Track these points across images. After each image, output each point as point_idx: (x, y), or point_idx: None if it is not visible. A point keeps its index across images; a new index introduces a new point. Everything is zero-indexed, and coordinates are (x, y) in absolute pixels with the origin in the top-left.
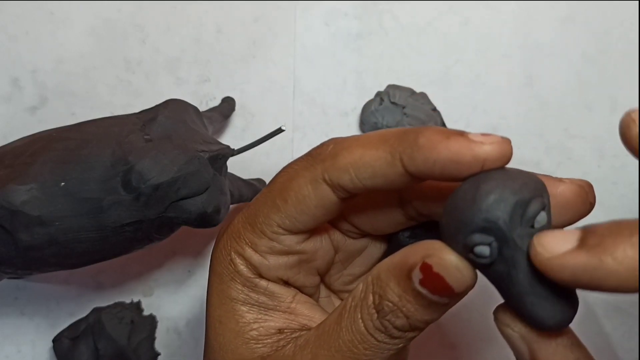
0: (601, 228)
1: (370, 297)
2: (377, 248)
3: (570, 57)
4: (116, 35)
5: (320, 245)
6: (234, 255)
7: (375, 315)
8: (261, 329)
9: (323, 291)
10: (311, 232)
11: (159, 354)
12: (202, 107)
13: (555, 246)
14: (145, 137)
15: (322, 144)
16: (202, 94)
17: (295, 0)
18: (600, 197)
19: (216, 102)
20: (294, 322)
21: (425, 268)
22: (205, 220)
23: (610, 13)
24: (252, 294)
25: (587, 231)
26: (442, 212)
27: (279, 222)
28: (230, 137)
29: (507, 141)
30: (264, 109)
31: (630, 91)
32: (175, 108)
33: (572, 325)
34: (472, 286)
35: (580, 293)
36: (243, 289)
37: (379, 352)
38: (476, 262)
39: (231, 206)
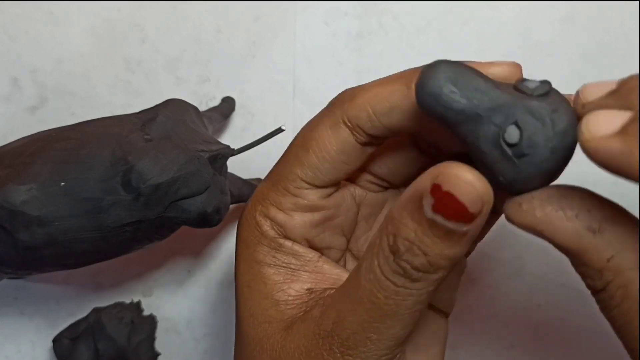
0: None
1: (385, 239)
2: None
3: (570, 57)
4: (116, 35)
5: (342, 201)
6: (259, 217)
7: (391, 257)
8: (290, 290)
9: (350, 262)
10: (334, 186)
11: (159, 354)
12: (202, 107)
13: (598, 128)
14: (145, 137)
15: (341, 92)
16: (202, 94)
17: (295, 0)
18: None
19: (216, 102)
20: (322, 282)
21: (436, 190)
22: (205, 220)
23: (610, 13)
24: (279, 255)
25: (633, 117)
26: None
27: (301, 175)
28: (230, 137)
29: (515, 64)
30: (264, 109)
31: None
32: (175, 108)
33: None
34: (488, 203)
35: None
36: (269, 250)
37: (402, 300)
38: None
39: (231, 206)
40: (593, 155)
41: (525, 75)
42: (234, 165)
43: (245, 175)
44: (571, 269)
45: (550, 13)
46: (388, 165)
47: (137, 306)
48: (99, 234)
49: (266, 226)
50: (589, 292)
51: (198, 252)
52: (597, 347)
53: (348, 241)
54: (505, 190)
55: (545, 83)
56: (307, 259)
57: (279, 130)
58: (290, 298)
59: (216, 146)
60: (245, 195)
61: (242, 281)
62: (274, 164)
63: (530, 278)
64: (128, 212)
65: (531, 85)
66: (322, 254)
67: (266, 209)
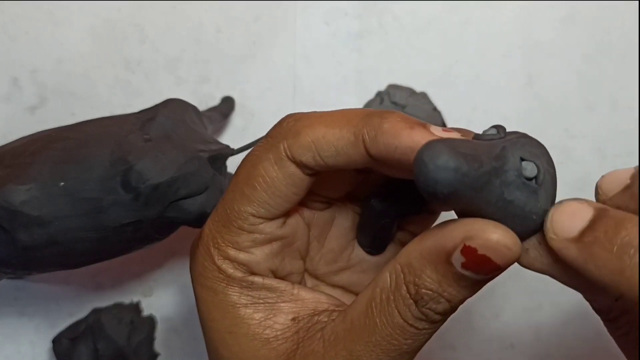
0: (602, 225)
1: (404, 288)
2: (345, 216)
3: (570, 57)
4: (116, 35)
5: (296, 225)
6: (219, 261)
7: (414, 305)
8: (276, 325)
9: (309, 281)
10: (286, 214)
11: (158, 354)
12: (202, 107)
13: (562, 228)
14: (145, 136)
15: (281, 122)
16: (202, 94)
17: (295, 0)
18: None
19: (216, 102)
20: (303, 309)
21: (468, 251)
22: (204, 220)
23: (610, 13)
24: (252, 293)
25: (593, 221)
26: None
27: (253, 212)
28: (230, 137)
29: (468, 134)
30: (264, 109)
31: (630, 91)
32: (174, 108)
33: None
34: (518, 258)
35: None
36: (242, 291)
37: (421, 338)
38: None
39: None
40: (557, 253)
41: (525, 75)
42: (233, 165)
43: None
44: None
45: (550, 13)
46: (329, 186)
47: (136, 307)
48: (99, 234)
49: (230, 269)
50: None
51: None
52: (597, 347)
53: (304, 262)
54: (529, 232)
55: (499, 126)
56: (283, 289)
57: None
58: (278, 333)
59: (216, 146)
60: None
61: (220, 329)
62: None
63: (531, 278)
64: (128, 212)
65: (492, 131)
66: (285, 279)
67: (224, 251)
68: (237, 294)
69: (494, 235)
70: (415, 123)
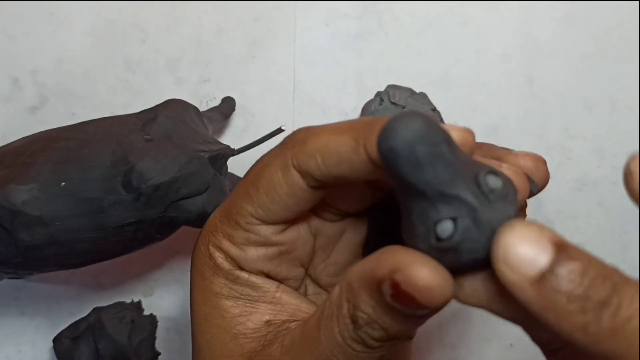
0: (565, 269)
1: (345, 306)
2: (356, 230)
3: (570, 57)
4: (116, 35)
5: (297, 235)
6: (212, 249)
7: (351, 326)
8: (248, 322)
9: (311, 287)
10: (287, 223)
11: (159, 354)
12: (202, 107)
13: (519, 264)
14: (146, 137)
15: (294, 132)
16: (202, 94)
17: (295, 0)
18: (600, 197)
19: (216, 102)
20: (281, 313)
21: (394, 285)
22: (205, 220)
23: (610, 13)
24: (236, 287)
25: (554, 261)
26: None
27: (252, 212)
28: (230, 137)
29: (468, 130)
30: (264, 109)
31: (629, 91)
32: (175, 108)
33: None
34: (449, 300)
35: None
36: (226, 282)
37: None
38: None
39: None
40: (505, 284)
41: (524, 75)
42: (234, 165)
43: None
44: None
45: (550, 13)
46: (341, 199)
47: (137, 306)
48: (100, 233)
49: (220, 258)
50: None
51: None
52: None
53: (306, 270)
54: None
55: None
56: (265, 289)
57: (279, 130)
58: (248, 331)
59: (216, 146)
60: None
61: (199, 314)
62: None
63: None
64: (129, 212)
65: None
66: (280, 283)
67: (219, 241)
68: (221, 284)
69: (416, 273)
70: None
